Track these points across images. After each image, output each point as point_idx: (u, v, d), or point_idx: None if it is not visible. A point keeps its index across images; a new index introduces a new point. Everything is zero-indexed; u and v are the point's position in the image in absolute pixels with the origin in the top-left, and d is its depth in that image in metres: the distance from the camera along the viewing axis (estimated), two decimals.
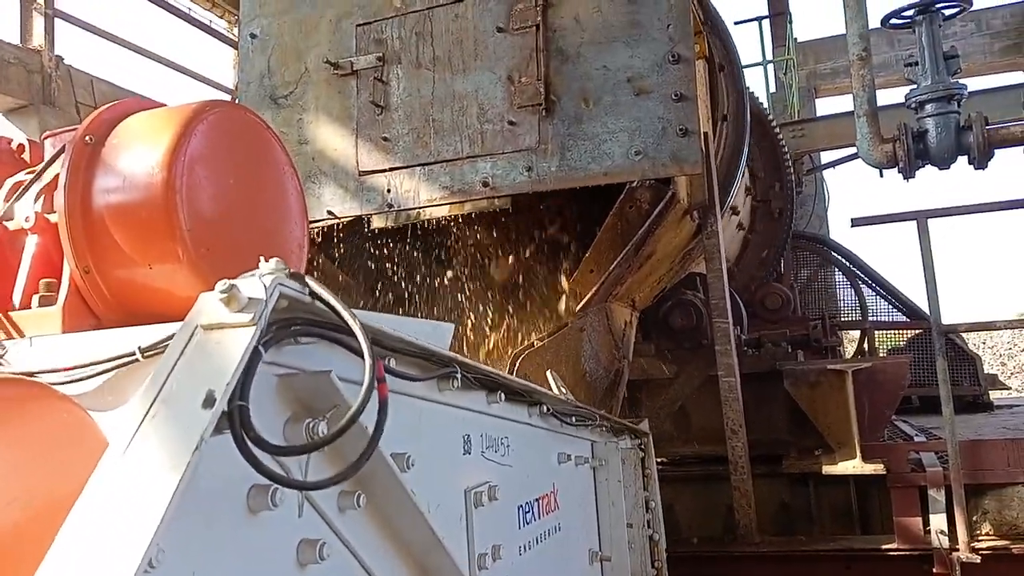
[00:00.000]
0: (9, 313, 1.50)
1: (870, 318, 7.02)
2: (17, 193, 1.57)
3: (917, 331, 6.86)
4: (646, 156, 3.06)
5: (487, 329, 3.62)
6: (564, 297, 3.49)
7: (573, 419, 2.39)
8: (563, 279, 3.56)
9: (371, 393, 1.02)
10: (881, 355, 6.78)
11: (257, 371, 0.96)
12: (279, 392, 1.10)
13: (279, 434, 1.09)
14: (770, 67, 10.94)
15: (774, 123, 5.95)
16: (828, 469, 4.19)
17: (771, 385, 4.49)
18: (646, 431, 3.11)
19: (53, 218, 1.52)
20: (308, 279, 1.06)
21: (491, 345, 3.60)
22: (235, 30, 9.95)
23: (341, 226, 3.59)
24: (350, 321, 1.04)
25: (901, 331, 7.11)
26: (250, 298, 0.98)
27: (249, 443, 0.94)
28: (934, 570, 3.77)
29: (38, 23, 7.46)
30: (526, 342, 3.40)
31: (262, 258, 1.06)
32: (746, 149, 4.30)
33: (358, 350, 1.04)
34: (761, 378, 4.53)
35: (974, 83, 5.57)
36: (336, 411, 1.10)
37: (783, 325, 5.47)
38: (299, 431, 1.09)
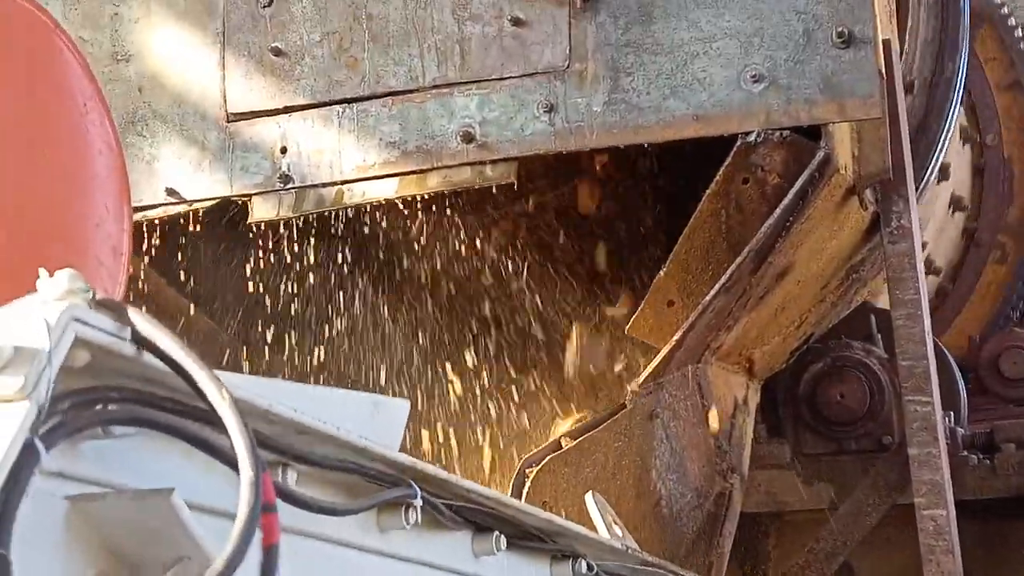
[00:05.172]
0: None
1: None
2: None
3: None
4: (774, 84, 3.10)
5: (473, 412, 3.63)
6: (615, 352, 3.49)
7: None
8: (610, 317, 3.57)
9: (251, 535, 1.03)
10: None
11: (32, 489, 0.97)
12: (74, 529, 1.11)
13: None
14: None
15: (1012, 19, 5.99)
16: None
17: (1018, 526, 4.46)
18: None
19: None
20: (131, 310, 1.10)
21: (480, 442, 3.60)
22: None
23: (196, 217, 3.62)
24: (212, 393, 1.07)
25: None
26: (17, 347, 1.00)
27: None
28: None
29: None
30: (546, 437, 3.39)
31: (43, 271, 1.08)
32: (963, 70, 4.33)
33: (226, 452, 1.05)
34: (999, 512, 4.53)
35: None
36: (182, 567, 1.12)
37: None
38: None
